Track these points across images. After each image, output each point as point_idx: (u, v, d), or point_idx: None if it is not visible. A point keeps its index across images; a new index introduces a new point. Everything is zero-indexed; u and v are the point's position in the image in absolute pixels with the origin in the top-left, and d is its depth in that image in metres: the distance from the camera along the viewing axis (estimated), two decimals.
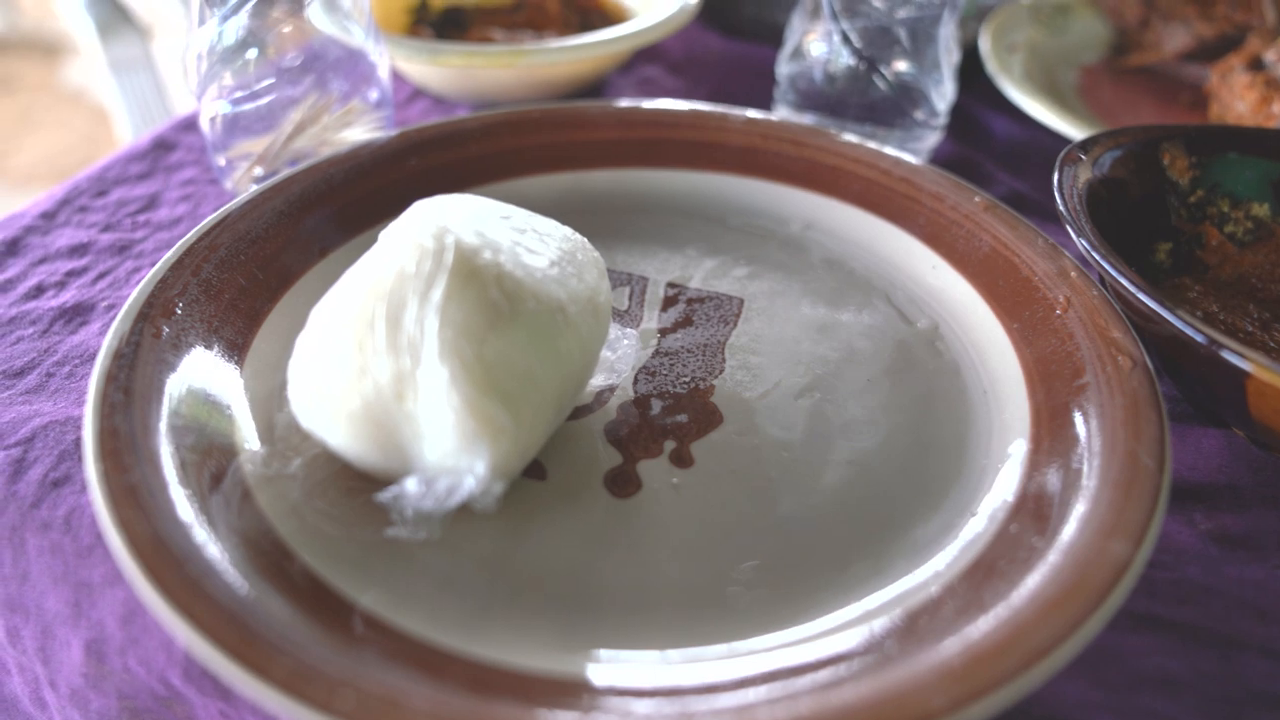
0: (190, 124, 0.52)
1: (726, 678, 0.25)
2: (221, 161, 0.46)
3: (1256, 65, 0.53)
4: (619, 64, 0.60)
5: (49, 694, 0.30)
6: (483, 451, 0.26)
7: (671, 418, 0.33)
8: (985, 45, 0.59)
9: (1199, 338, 0.30)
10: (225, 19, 0.43)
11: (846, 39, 0.50)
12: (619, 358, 0.35)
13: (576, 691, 0.24)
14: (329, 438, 0.28)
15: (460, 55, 0.51)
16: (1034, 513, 0.28)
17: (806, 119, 0.52)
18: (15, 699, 0.32)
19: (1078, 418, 0.31)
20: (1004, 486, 0.30)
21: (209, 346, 0.32)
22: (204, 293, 0.33)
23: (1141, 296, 0.31)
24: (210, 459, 0.28)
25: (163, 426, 0.28)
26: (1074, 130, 0.50)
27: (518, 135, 0.45)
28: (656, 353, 0.36)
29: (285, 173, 0.39)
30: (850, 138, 0.44)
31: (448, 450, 0.26)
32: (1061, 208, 0.36)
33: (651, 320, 0.38)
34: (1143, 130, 0.43)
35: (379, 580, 0.27)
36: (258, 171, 0.46)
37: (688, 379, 0.35)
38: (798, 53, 0.52)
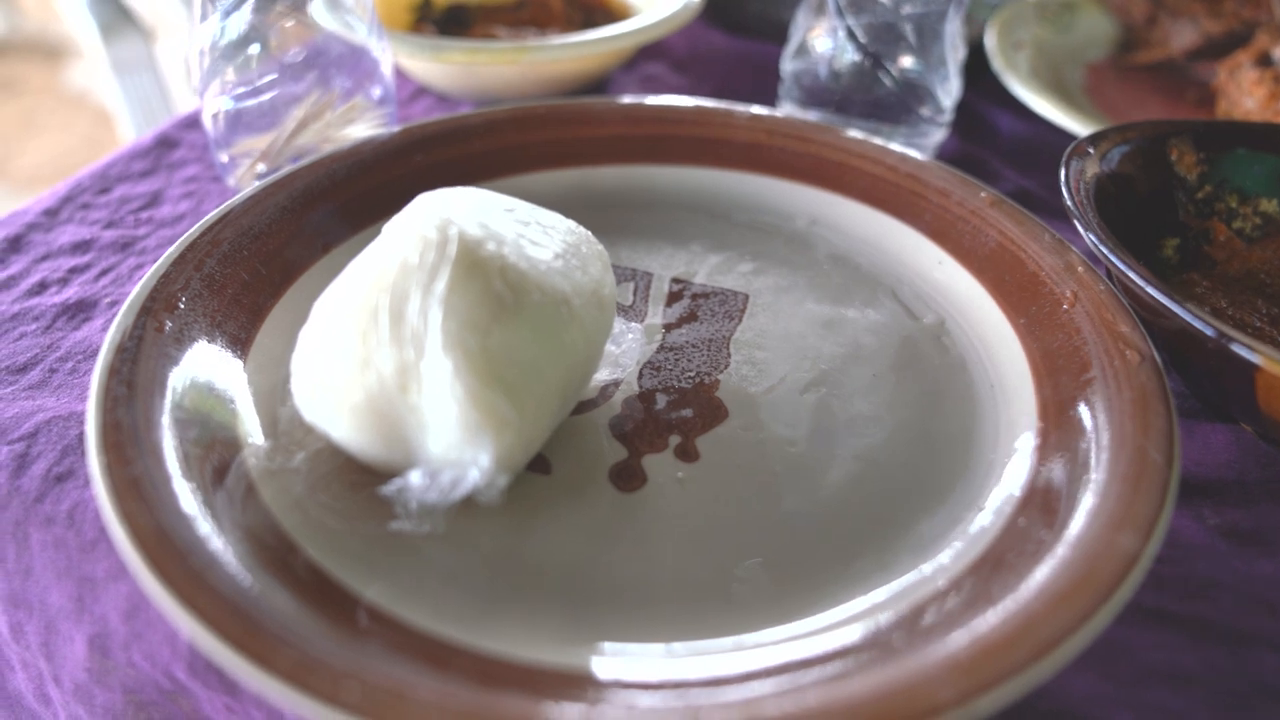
0: (193, 121, 0.52)
1: (733, 671, 0.24)
2: (224, 158, 0.46)
3: (1265, 61, 0.52)
4: (622, 61, 0.59)
5: (53, 690, 0.30)
6: (487, 444, 0.26)
7: (676, 412, 0.33)
8: (991, 42, 0.59)
9: (1208, 331, 0.30)
10: (227, 15, 0.43)
11: (852, 35, 0.49)
12: (623, 352, 0.35)
13: (582, 684, 0.24)
14: (332, 431, 0.28)
15: (463, 52, 0.51)
16: (1042, 506, 0.28)
17: (811, 116, 0.52)
18: (19, 695, 0.32)
19: (1085, 412, 0.30)
20: (1011, 480, 0.30)
21: (212, 341, 0.31)
22: (207, 287, 0.33)
23: (1150, 290, 0.31)
24: (213, 453, 0.28)
25: (166, 420, 0.28)
26: (1080, 127, 0.50)
27: (522, 131, 0.45)
28: (661, 347, 0.36)
29: (288, 169, 0.39)
30: (856, 134, 0.44)
31: (452, 443, 0.26)
32: (1069, 202, 0.36)
33: (656, 315, 0.38)
34: (1151, 125, 0.43)
35: (383, 574, 0.27)
36: (260, 168, 0.46)
37: (693, 374, 0.35)
38: (802, 49, 0.52)
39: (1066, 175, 0.37)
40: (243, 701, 0.26)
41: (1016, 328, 0.36)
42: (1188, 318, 0.30)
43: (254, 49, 0.45)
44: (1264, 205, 0.42)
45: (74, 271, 0.40)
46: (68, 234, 0.42)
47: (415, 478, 0.27)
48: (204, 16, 0.43)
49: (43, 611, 0.30)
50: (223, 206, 0.36)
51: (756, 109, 0.46)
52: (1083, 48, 0.64)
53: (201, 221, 0.35)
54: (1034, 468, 0.30)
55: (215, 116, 0.44)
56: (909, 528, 0.29)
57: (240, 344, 0.32)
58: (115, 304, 0.39)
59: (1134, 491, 0.26)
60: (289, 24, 0.47)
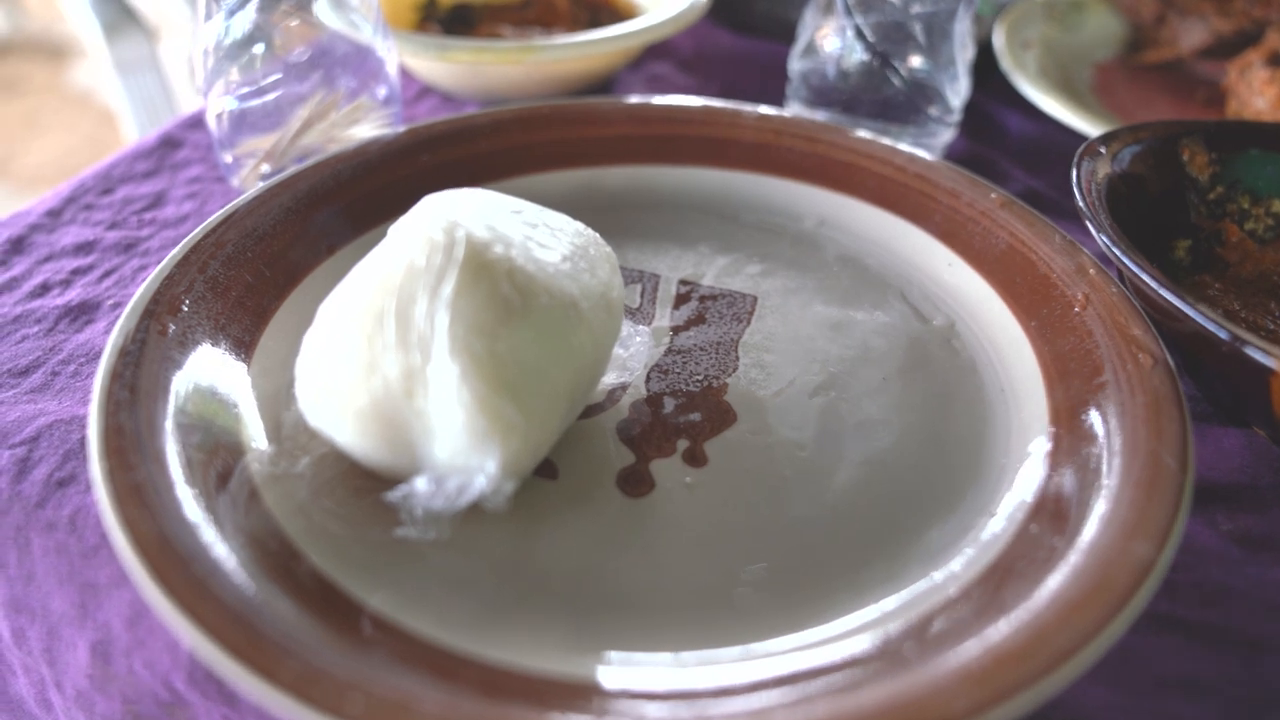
0: (197, 121, 0.52)
1: (741, 680, 0.24)
2: (228, 159, 0.45)
3: (1276, 61, 0.52)
4: (629, 61, 0.59)
5: (55, 696, 0.30)
6: (493, 449, 0.26)
7: (685, 416, 0.33)
8: (999, 41, 0.59)
9: (1223, 334, 0.30)
10: (231, 14, 0.43)
11: (860, 34, 0.49)
12: (631, 355, 0.35)
13: (589, 694, 0.23)
14: (337, 436, 0.28)
15: (469, 51, 0.51)
16: (1054, 513, 0.28)
17: (819, 116, 0.52)
18: (21, 700, 0.32)
19: (1097, 416, 0.30)
20: (1023, 486, 0.30)
21: (215, 344, 0.31)
22: (210, 290, 0.32)
23: (1163, 292, 0.31)
24: (217, 458, 0.28)
25: (169, 425, 0.27)
26: (1090, 127, 0.49)
27: (528, 131, 0.45)
28: (669, 350, 0.36)
29: (292, 169, 0.38)
30: (864, 134, 0.44)
31: (458, 448, 0.26)
32: (1080, 203, 0.35)
33: (664, 318, 0.37)
34: (1162, 126, 0.42)
35: (388, 581, 0.26)
36: (265, 169, 0.45)
37: (701, 377, 0.34)
38: (810, 49, 0.51)
39: (1078, 176, 0.37)
40: (242, 713, 0.26)
41: (1028, 330, 0.35)
42: (1202, 321, 0.30)
43: (258, 48, 0.45)
44: (1276, 206, 0.42)
45: (77, 273, 0.40)
46: (70, 235, 0.42)
47: (421, 484, 0.27)
48: (208, 16, 0.43)
49: (45, 617, 0.29)
50: (226, 208, 0.35)
51: (764, 109, 0.46)
52: (1091, 47, 0.64)
53: (205, 223, 0.34)
54: (1046, 473, 0.30)
55: (219, 116, 0.44)
56: (919, 534, 0.29)
57: (244, 347, 0.32)
58: (118, 306, 0.38)
59: (1148, 498, 0.26)
60: (294, 23, 0.47)
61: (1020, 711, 0.21)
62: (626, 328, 0.36)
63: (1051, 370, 0.33)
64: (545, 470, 0.30)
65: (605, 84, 0.59)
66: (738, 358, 0.35)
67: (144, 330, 0.29)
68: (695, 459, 0.31)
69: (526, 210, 0.31)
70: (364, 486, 0.28)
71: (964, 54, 0.50)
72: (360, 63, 0.50)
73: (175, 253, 0.33)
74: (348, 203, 0.38)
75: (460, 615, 0.26)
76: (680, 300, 0.38)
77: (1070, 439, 0.30)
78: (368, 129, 0.48)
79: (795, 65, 0.52)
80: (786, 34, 0.57)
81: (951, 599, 0.26)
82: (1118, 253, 0.33)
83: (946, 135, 0.52)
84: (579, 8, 0.64)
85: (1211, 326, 0.30)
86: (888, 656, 0.24)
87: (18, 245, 0.41)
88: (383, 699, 0.21)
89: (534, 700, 0.23)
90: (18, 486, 0.30)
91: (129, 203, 0.45)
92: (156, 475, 0.25)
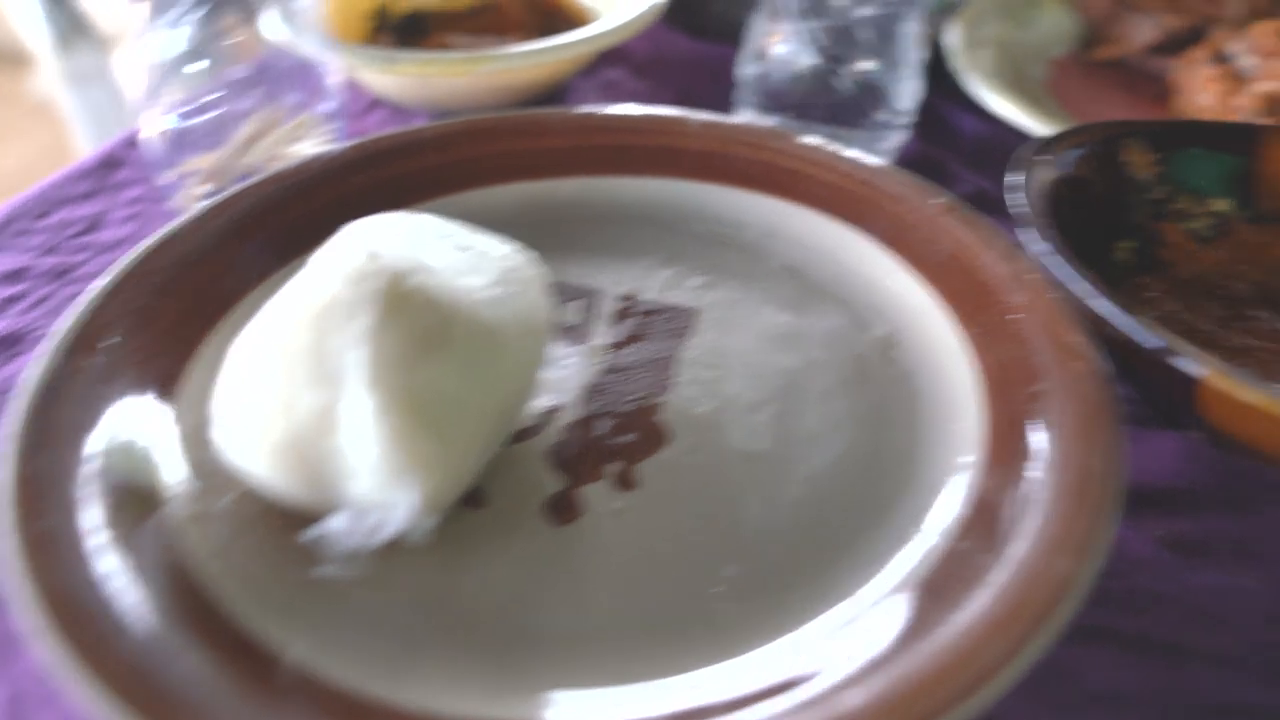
0: (139, 139, 0.51)
1: (663, 712, 0.24)
2: (168, 179, 0.45)
3: (1220, 58, 0.52)
4: (582, 68, 0.59)
5: None
6: (413, 484, 0.25)
7: (618, 437, 0.33)
8: (952, 41, 0.58)
9: (1150, 344, 0.29)
10: (173, 28, 0.42)
11: (809, 39, 0.49)
12: (565, 377, 0.34)
13: None
14: (254, 475, 0.27)
15: (415, 64, 0.50)
16: (983, 528, 0.28)
17: (770, 121, 0.51)
18: None
19: (1032, 426, 0.30)
20: (954, 500, 0.30)
21: (139, 379, 0.31)
22: (136, 322, 0.32)
23: (1090, 300, 0.31)
24: (135, 500, 0.27)
25: (86, 468, 0.27)
26: (1040, 126, 0.49)
27: (474, 145, 0.44)
28: (607, 370, 0.35)
29: (227, 191, 0.38)
30: (811, 140, 0.44)
31: (376, 484, 0.26)
32: (1013, 209, 0.35)
33: (603, 336, 0.37)
34: (1103, 127, 0.42)
35: (308, 625, 0.26)
36: (205, 189, 0.45)
37: (637, 396, 0.34)
38: (759, 53, 0.51)
39: (1014, 182, 0.36)
40: None
41: (967, 339, 0.35)
42: (1129, 329, 0.30)
43: (200, 64, 0.45)
44: (1217, 205, 0.42)
45: (9, 302, 0.39)
46: (3, 262, 0.41)
47: (339, 521, 0.26)
48: (150, 30, 0.42)
49: None
50: (153, 236, 0.35)
51: (710, 116, 0.45)
52: (1046, 44, 0.64)
53: (133, 251, 0.34)
54: (977, 487, 0.29)
55: (158, 135, 0.43)
56: (851, 553, 0.29)
57: (169, 381, 0.32)
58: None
59: (1077, 510, 0.26)
60: (237, 38, 0.46)
61: None
62: (562, 348, 0.35)
63: (989, 380, 0.33)
64: (472, 499, 0.30)
65: (558, 91, 0.59)
66: (676, 374, 0.35)
67: (63, 365, 0.29)
68: (626, 482, 0.31)
69: (456, 234, 0.31)
70: (285, 525, 0.28)
71: (915, 56, 0.50)
72: (304, 78, 0.49)
73: (98, 284, 0.32)
74: (282, 226, 0.38)
75: (382, 658, 0.25)
76: (620, 316, 0.38)
77: (1005, 451, 0.30)
78: (311, 145, 0.48)
79: (744, 70, 0.52)
80: (742, 37, 0.56)
81: (874, 624, 0.26)
82: (1048, 258, 0.33)
83: (899, 138, 0.52)
84: (532, 14, 0.64)
85: (1139, 336, 0.30)
86: (808, 684, 0.24)
87: None
88: None
89: None
90: None
91: (65, 226, 0.44)
92: (67, 523, 0.25)
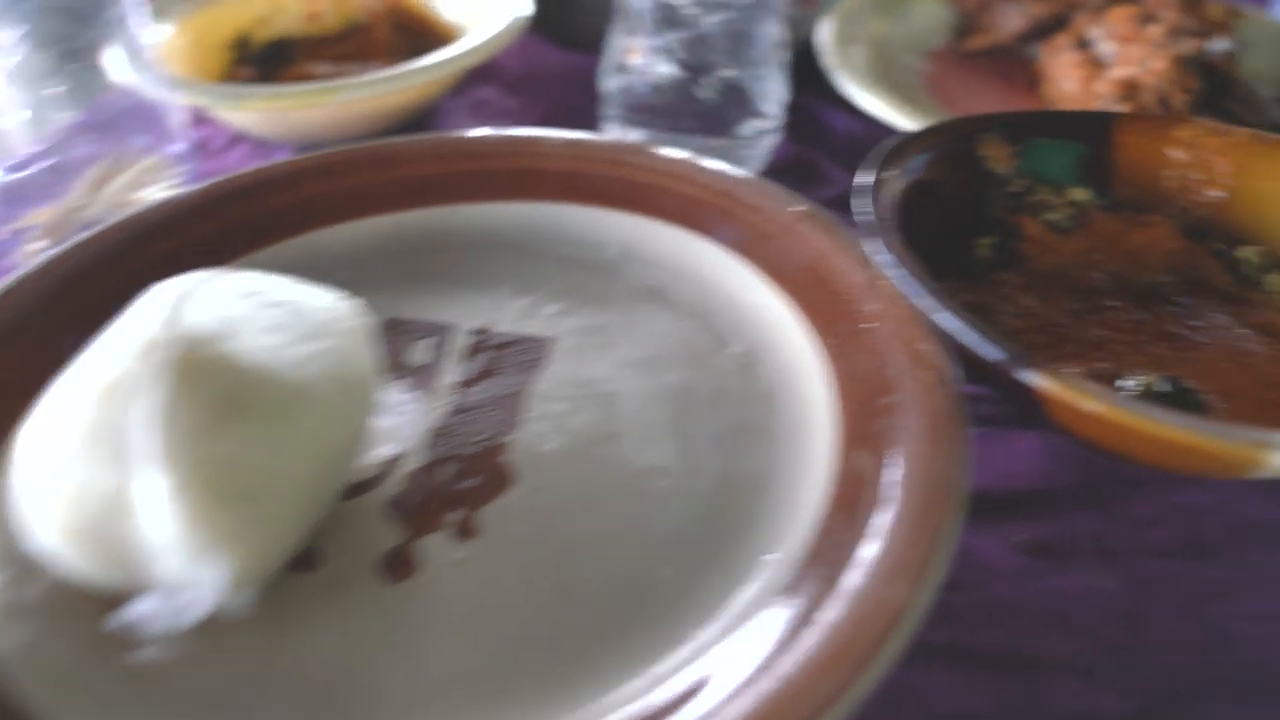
0: None
1: None
2: (3, 235, 0.43)
3: (1082, 44, 0.52)
4: (449, 88, 0.57)
5: None
6: (219, 560, 0.24)
7: (462, 483, 0.31)
8: (823, 39, 0.58)
9: (992, 356, 0.29)
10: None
11: (666, 50, 0.48)
12: (407, 422, 0.33)
13: None
14: (57, 560, 0.26)
15: (264, 99, 0.49)
16: (823, 560, 0.27)
17: (636, 135, 0.51)
18: None
19: (879, 443, 0.29)
20: (803, 527, 0.29)
21: None
22: None
23: (933, 315, 0.30)
24: None
25: None
26: (911, 122, 0.49)
27: (322, 181, 0.43)
28: (454, 410, 0.34)
29: (45, 253, 0.36)
30: (669, 153, 0.43)
31: (181, 563, 0.24)
32: (858, 219, 0.34)
33: (452, 374, 0.36)
34: (956, 124, 0.42)
35: (130, 715, 0.25)
36: (43, 244, 0.43)
37: (484, 436, 0.33)
38: (620, 66, 0.50)
39: (861, 188, 0.36)
40: None
41: (822, 351, 0.34)
42: (971, 343, 0.29)
43: (28, 112, 0.43)
44: (1075, 194, 0.42)
45: None
46: None
47: (149, 603, 0.25)
48: None
49: None
50: None
51: (567, 134, 0.44)
52: (922, 37, 0.64)
53: None
54: (824, 511, 0.29)
55: None
56: (695, 591, 0.28)
57: None
58: None
59: (914, 536, 0.25)
60: (74, 82, 0.45)
61: None
62: (401, 392, 0.34)
63: (844, 393, 0.32)
64: (303, 562, 0.29)
65: (427, 114, 0.57)
66: (525, 410, 0.34)
67: None
68: (467, 531, 0.30)
69: (269, 290, 0.30)
70: (102, 610, 0.26)
71: (776, 58, 0.49)
72: (150, 118, 0.47)
73: None
74: (107, 289, 0.36)
75: None
76: (473, 351, 0.37)
77: (852, 470, 0.29)
78: (159, 190, 0.46)
79: (606, 84, 0.51)
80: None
81: (706, 674, 0.25)
82: (892, 270, 0.32)
83: (768, 142, 0.51)
84: (400, 36, 0.63)
85: (980, 349, 0.29)
86: None
87: None
88: None
89: None
90: None
91: None
92: None
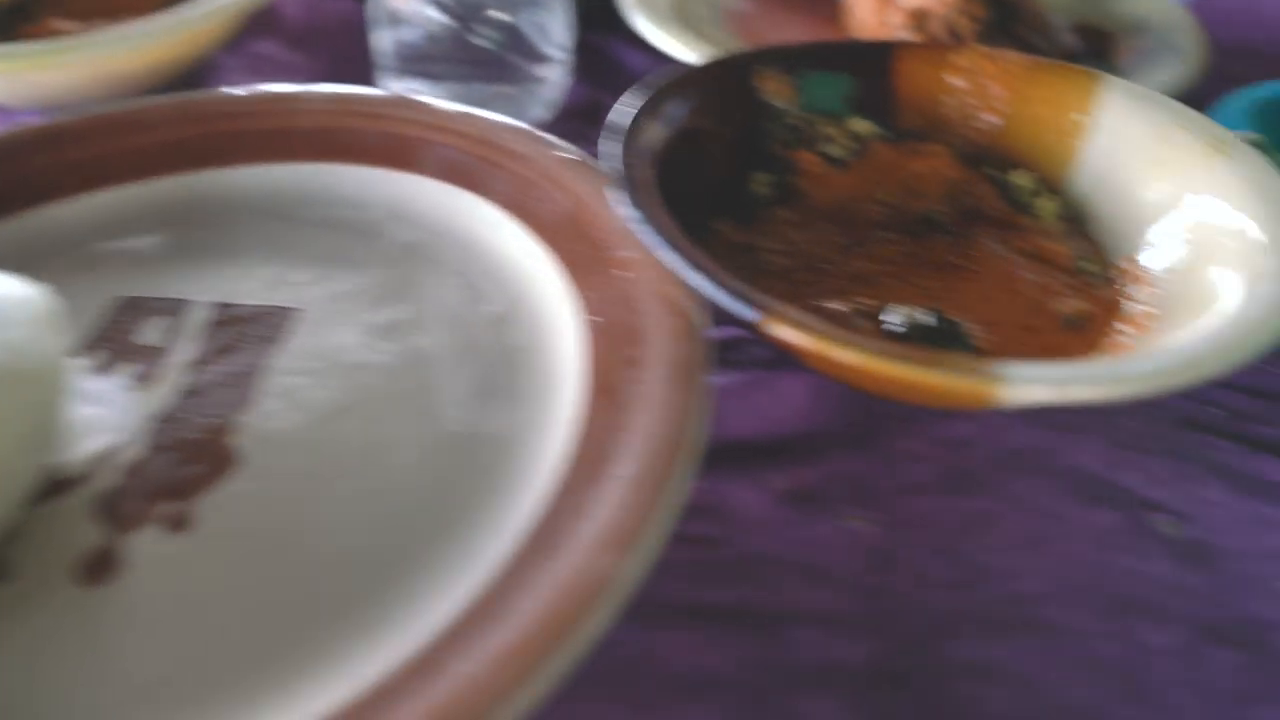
0: None
1: None
2: None
3: None
4: (218, 42, 0.53)
5: None
6: None
7: (182, 471, 0.29)
8: None
9: (742, 313, 0.27)
10: None
11: None
12: (123, 410, 0.30)
13: None
14: None
15: None
16: (553, 527, 0.25)
17: (413, 87, 0.48)
18: None
19: (622, 396, 0.28)
20: (539, 493, 0.27)
21: None
22: None
23: (678, 270, 0.28)
24: None
25: None
26: (701, 56, 0.47)
27: (49, 151, 0.39)
28: (183, 393, 0.31)
29: None
30: (433, 103, 0.40)
31: None
32: (606, 167, 0.33)
33: (185, 353, 0.33)
34: (730, 59, 0.40)
35: None
36: None
37: (211, 419, 0.31)
38: (390, 16, 0.47)
39: (612, 134, 0.34)
40: None
41: (580, 303, 0.33)
42: (715, 297, 0.28)
43: None
44: (855, 126, 0.41)
45: None
46: None
47: None
48: None
49: None
50: None
51: (328, 88, 0.42)
52: None
53: None
54: (564, 474, 0.27)
55: None
56: (423, 572, 0.26)
57: None
58: None
59: (633, 502, 0.24)
60: None
61: None
62: (114, 379, 0.31)
63: (594, 347, 0.31)
64: None
65: (198, 73, 0.53)
66: (260, 388, 0.32)
67: None
68: (180, 524, 0.27)
69: None
70: None
71: None
72: None
73: None
74: None
75: None
76: (212, 327, 0.34)
77: (593, 429, 0.28)
78: None
79: (378, 37, 0.48)
80: None
81: (432, 650, 0.23)
82: (636, 225, 0.30)
83: (558, 85, 0.49)
84: None
85: (724, 303, 0.27)
86: None
87: None
88: None
89: None
90: None
91: None
92: None
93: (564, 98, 0.50)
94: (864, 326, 0.32)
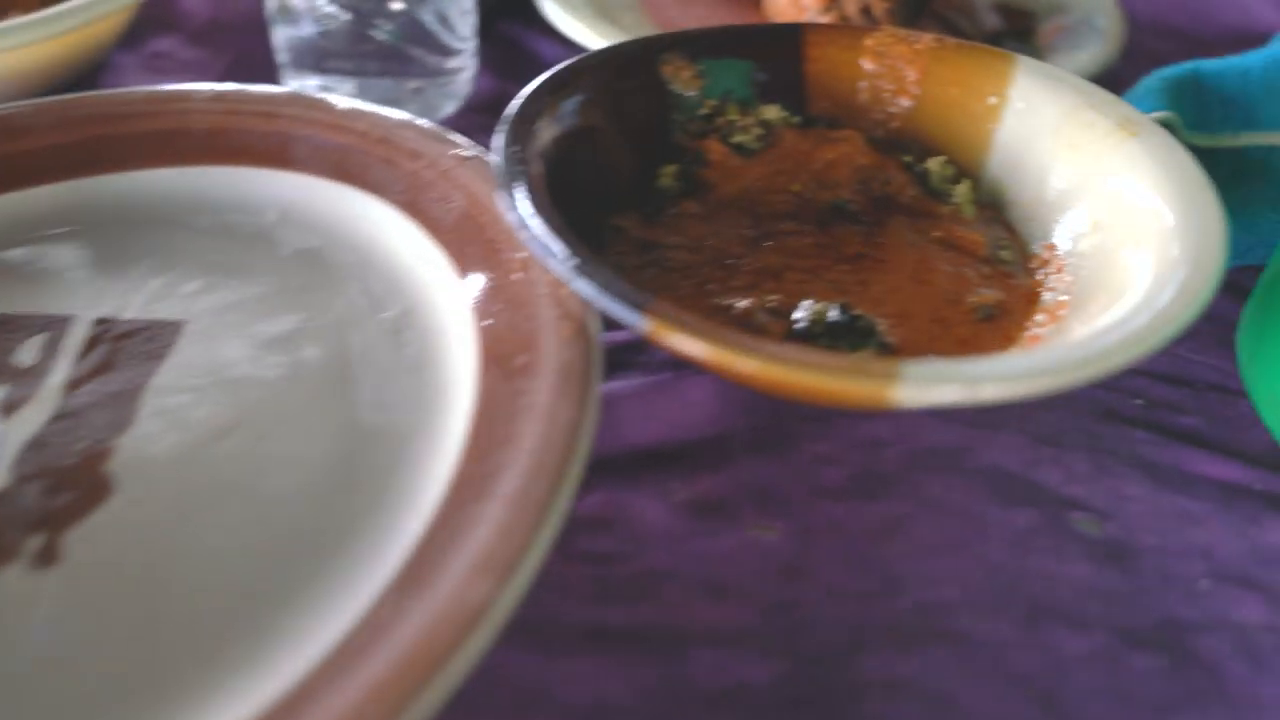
0: None
1: None
2: None
3: None
4: (111, 40, 0.51)
5: None
6: None
7: (51, 500, 0.27)
8: None
9: (629, 320, 0.26)
10: None
11: None
12: None
13: None
14: None
15: None
16: (429, 553, 0.24)
17: (316, 84, 0.46)
18: None
19: (506, 411, 0.27)
20: (422, 520, 0.26)
21: None
22: None
23: (564, 276, 0.27)
24: None
25: None
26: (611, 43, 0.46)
27: None
28: (55, 417, 0.30)
29: None
30: (328, 100, 0.39)
31: None
32: (494, 167, 0.31)
33: (61, 372, 0.31)
34: (632, 46, 0.39)
35: None
36: None
37: (86, 444, 0.29)
38: (285, 10, 0.45)
39: (503, 132, 0.32)
40: None
41: (473, 307, 0.31)
42: (603, 305, 0.26)
43: None
44: (765, 113, 0.40)
45: None
46: None
47: None
48: None
49: None
50: None
51: (218, 87, 0.40)
52: None
53: None
54: (448, 496, 0.26)
55: None
56: (301, 603, 0.25)
57: None
58: None
59: (509, 521, 0.23)
60: None
61: None
62: None
63: (486, 354, 0.30)
64: None
65: (92, 73, 0.51)
66: (139, 408, 0.30)
67: None
68: (48, 558, 0.26)
69: None
70: None
71: None
72: None
73: None
74: None
75: None
76: (90, 345, 0.32)
77: (478, 446, 0.27)
78: None
79: (276, 33, 0.46)
80: None
81: (296, 689, 0.22)
82: (520, 230, 0.29)
83: (465, 77, 0.48)
84: None
85: (612, 310, 0.26)
86: None
87: None
88: None
89: None
90: None
91: None
92: None
93: (473, 90, 0.49)
94: (770, 325, 0.31)
